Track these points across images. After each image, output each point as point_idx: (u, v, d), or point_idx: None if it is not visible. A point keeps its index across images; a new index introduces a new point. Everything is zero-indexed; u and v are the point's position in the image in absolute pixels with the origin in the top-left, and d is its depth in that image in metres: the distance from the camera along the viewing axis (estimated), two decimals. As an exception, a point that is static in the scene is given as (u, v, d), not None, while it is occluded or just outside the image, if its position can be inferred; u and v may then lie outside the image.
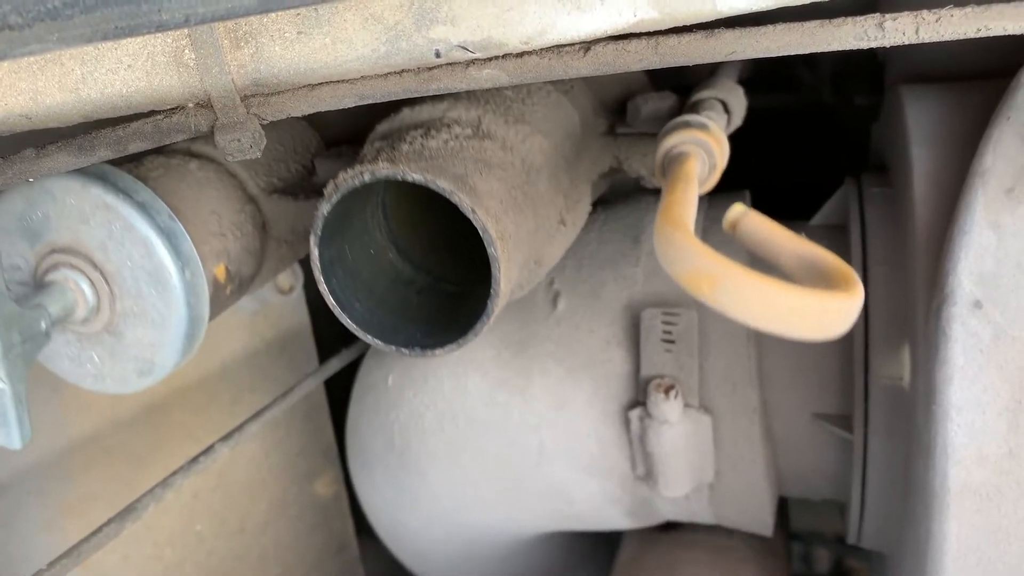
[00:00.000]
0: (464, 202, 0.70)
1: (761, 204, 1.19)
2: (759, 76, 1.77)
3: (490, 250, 0.71)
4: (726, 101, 0.99)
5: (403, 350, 0.78)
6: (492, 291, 0.73)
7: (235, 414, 1.47)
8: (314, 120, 1.03)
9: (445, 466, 1.18)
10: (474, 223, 0.70)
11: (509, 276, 0.75)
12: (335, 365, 1.42)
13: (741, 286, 0.53)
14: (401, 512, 1.31)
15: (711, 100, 0.98)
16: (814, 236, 1.09)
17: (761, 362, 1.04)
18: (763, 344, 1.04)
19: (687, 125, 0.80)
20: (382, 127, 0.85)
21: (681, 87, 1.14)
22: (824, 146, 1.90)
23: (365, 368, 1.31)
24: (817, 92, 1.89)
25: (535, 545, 1.34)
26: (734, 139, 0.98)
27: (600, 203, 1.18)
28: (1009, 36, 0.67)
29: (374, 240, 0.86)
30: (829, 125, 1.91)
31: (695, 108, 0.95)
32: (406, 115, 0.84)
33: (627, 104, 1.03)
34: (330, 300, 0.78)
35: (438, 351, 0.77)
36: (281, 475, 1.60)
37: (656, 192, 1.17)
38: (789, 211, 1.20)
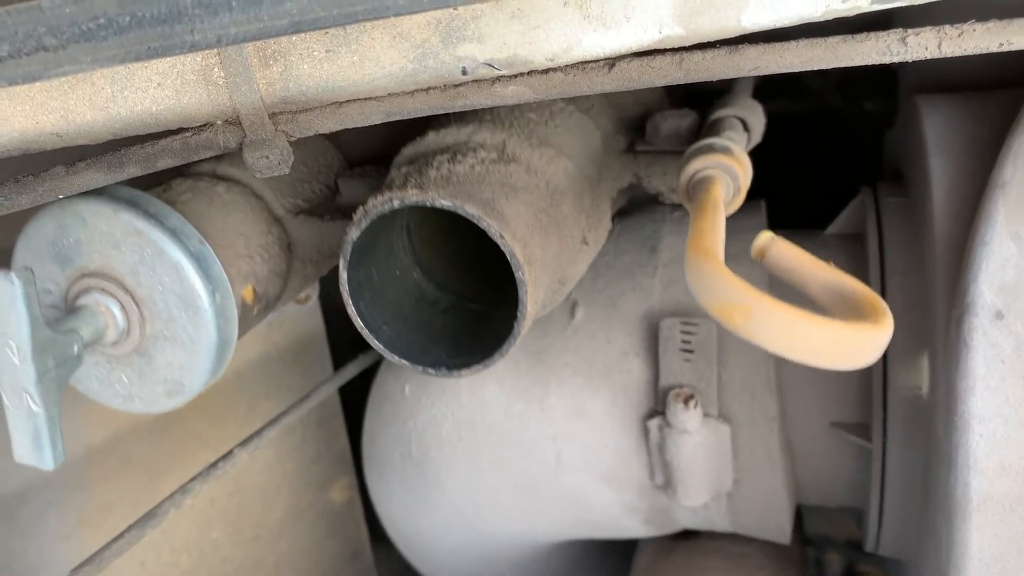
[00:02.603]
0: (492, 227, 0.71)
1: (769, 210, 1.20)
2: (767, 82, 1.77)
3: (518, 274, 0.72)
4: (745, 119, 0.99)
5: (430, 371, 0.79)
6: (519, 314, 0.73)
7: (251, 422, 1.47)
8: (336, 140, 1.04)
9: (463, 475, 1.19)
10: (502, 248, 0.71)
11: (536, 298, 0.75)
12: (350, 372, 1.42)
13: (774, 318, 0.54)
14: (418, 520, 1.31)
15: (731, 119, 0.98)
16: (829, 245, 1.10)
17: (780, 371, 1.04)
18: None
19: (711, 149, 0.80)
20: (408, 151, 0.86)
21: (693, 97, 1.15)
22: (833, 152, 1.90)
23: (381, 378, 1.32)
24: (825, 98, 1.89)
25: (551, 553, 1.35)
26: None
27: (616, 213, 1.18)
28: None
29: (399, 261, 0.87)
30: (838, 131, 1.91)
31: (715, 127, 0.95)
32: (432, 139, 0.84)
33: (646, 122, 1.04)
34: (359, 323, 0.78)
35: (464, 372, 0.77)
36: (296, 481, 1.60)
37: (672, 205, 1.18)
38: (798, 217, 1.21)
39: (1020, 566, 0.80)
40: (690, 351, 1.02)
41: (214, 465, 1.16)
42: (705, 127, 0.96)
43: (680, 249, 1.09)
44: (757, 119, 1.01)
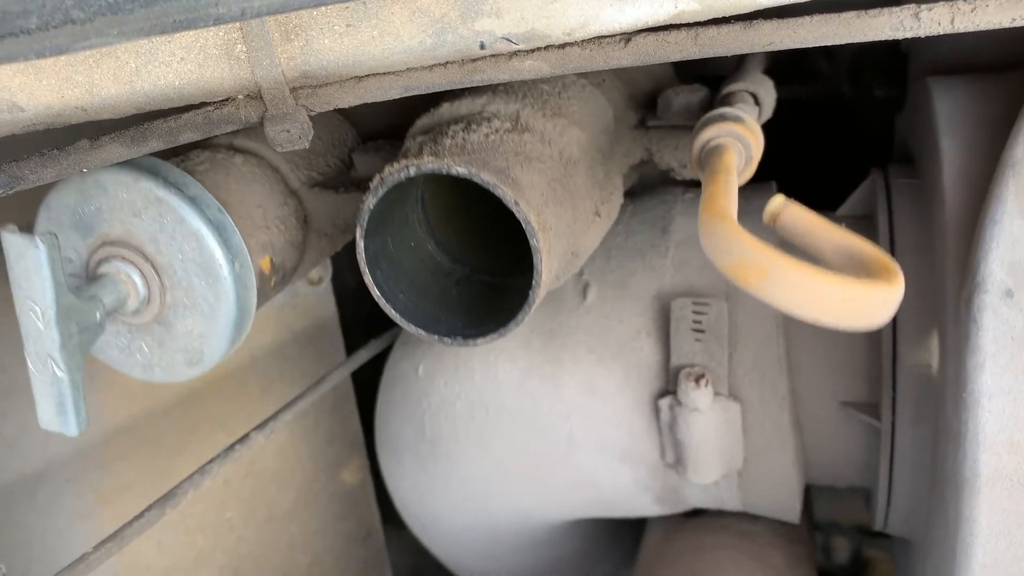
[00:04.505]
0: (507, 195, 0.72)
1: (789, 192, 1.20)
2: (777, 67, 1.78)
3: (532, 242, 0.73)
4: (756, 93, 1.00)
5: (446, 340, 0.80)
6: (535, 282, 0.74)
7: (265, 403, 1.49)
8: (350, 115, 1.05)
9: (475, 454, 1.20)
10: (517, 215, 0.72)
11: (550, 267, 0.76)
12: (364, 355, 1.44)
13: (789, 277, 0.54)
14: (430, 499, 1.33)
15: (742, 93, 0.99)
16: (851, 226, 1.11)
17: (790, 351, 1.05)
18: (792, 333, 1.05)
19: (723, 118, 0.81)
20: (422, 122, 0.87)
21: (704, 78, 1.15)
22: (844, 139, 1.90)
23: (394, 359, 1.33)
24: (836, 83, 1.89)
25: (562, 531, 1.36)
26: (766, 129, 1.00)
27: (627, 195, 1.19)
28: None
29: (414, 233, 0.88)
30: (849, 118, 1.92)
31: (727, 101, 0.96)
32: (446, 110, 0.85)
33: (658, 97, 1.05)
34: (375, 291, 0.79)
35: (480, 340, 0.79)
36: (309, 464, 1.62)
37: (683, 184, 1.18)
38: (810, 203, 1.21)
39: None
40: (701, 331, 1.03)
41: (231, 448, 1.18)
42: (717, 101, 0.97)
43: (692, 230, 1.10)
44: (768, 94, 1.02)
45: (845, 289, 0.54)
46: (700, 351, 1.03)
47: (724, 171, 0.70)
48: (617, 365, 1.09)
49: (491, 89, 0.86)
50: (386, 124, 1.04)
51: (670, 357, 1.05)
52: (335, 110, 0.94)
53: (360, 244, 0.77)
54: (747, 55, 1.24)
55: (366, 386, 1.56)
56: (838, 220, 1.10)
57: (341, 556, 1.72)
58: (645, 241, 1.13)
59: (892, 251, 1.01)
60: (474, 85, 0.70)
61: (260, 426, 1.22)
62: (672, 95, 1.04)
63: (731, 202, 0.63)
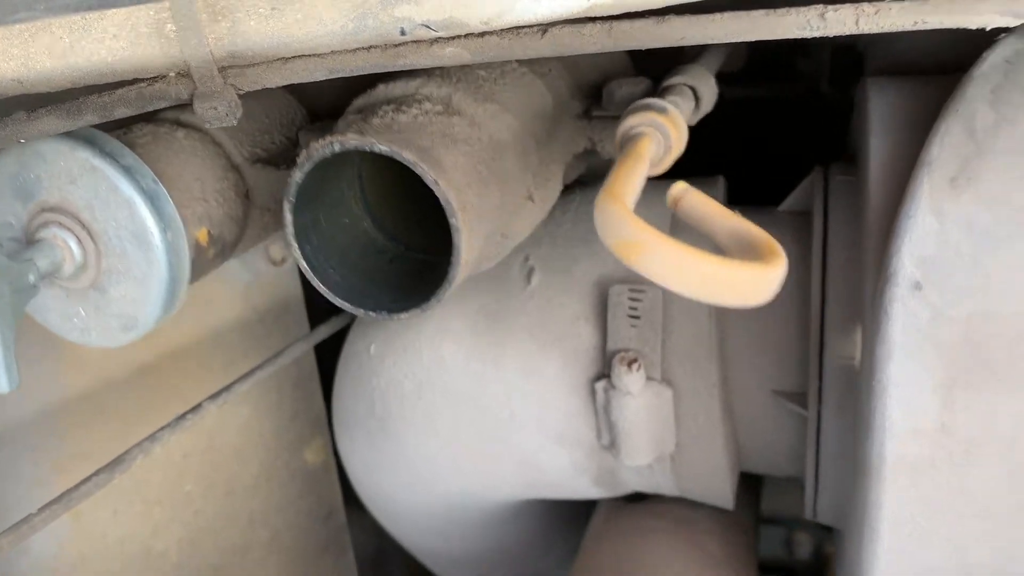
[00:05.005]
0: (428, 173, 0.74)
1: (757, 191, 1.23)
2: (756, 66, 1.80)
3: (452, 220, 0.76)
4: (696, 87, 1.02)
5: (371, 313, 0.83)
6: (454, 260, 0.77)
7: (228, 378, 1.50)
8: (300, 94, 1.08)
9: (423, 433, 1.23)
10: (437, 194, 0.75)
11: (471, 246, 0.79)
12: (324, 332, 1.47)
13: (666, 255, 0.57)
14: (382, 477, 1.36)
15: (681, 86, 1.02)
16: (781, 220, 1.14)
17: (724, 340, 1.08)
18: (725, 323, 1.08)
19: (647, 108, 0.84)
20: (358, 102, 0.89)
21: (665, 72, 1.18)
22: (820, 136, 1.93)
23: (351, 337, 1.36)
24: (816, 82, 1.92)
25: (514, 512, 1.39)
26: (742, 127, 1.02)
27: (579, 184, 1.22)
28: (979, 31, 0.71)
29: (349, 210, 0.91)
30: (827, 115, 1.94)
31: (664, 92, 0.99)
32: (381, 91, 0.88)
33: (603, 89, 1.07)
34: (303, 264, 0.82)
35: (403, 315, 0.81)
36: (271, 440, 1.64)
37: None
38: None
39: (931, 527, 0.84)
40: (636, 317, 1.06)
41: (183, 416, 1.21)
42: (657, 93, 1.00)
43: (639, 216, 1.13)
44: (708, 89, 1.04)
45: (717, 268, 0.57)
46: (635, 337, 1.06)
47: (634, 158, 0.72)
48: (556, 349, 1.12)
49: (427, 73, 0.89)
50: (334, 103, 1.07)
51: (607, 342, 1.08)
52: (285, 89, 0.97)
53: (287, 218, 0.80)
54: (705, 50, 1.27)
55: (331, 367, 1.59)
56: (780, 215, 1.13)
57: (301, 533, 1.75)
58: (589, 228, 1.15)
59: (824, 246, 1.04)
60: (398, 69, 0.73)
61: (213, 396, 1.26)
62: (616, 87, 1.06)
63: (629, 187, 0.66)
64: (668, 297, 1.07)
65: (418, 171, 0.74)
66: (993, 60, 0.90)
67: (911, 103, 0.96)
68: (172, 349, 1.44)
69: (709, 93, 1.06)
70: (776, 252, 0.61)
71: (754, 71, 1.79)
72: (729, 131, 1.55)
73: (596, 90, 1.12)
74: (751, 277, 0.58)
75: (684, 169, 1.16)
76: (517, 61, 0.98)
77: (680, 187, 0.70)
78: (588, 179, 1.28)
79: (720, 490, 1.13)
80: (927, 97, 0.96)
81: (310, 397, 1.68)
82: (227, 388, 1.26)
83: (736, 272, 0.58)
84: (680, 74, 1.04)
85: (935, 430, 0.81)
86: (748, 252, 0.63)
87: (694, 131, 1.59)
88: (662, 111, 0.84)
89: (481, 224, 0.81)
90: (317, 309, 1.67)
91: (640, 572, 1.13)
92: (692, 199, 0.69)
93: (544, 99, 0.99)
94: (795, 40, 0.74)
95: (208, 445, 1.51)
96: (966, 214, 0.82)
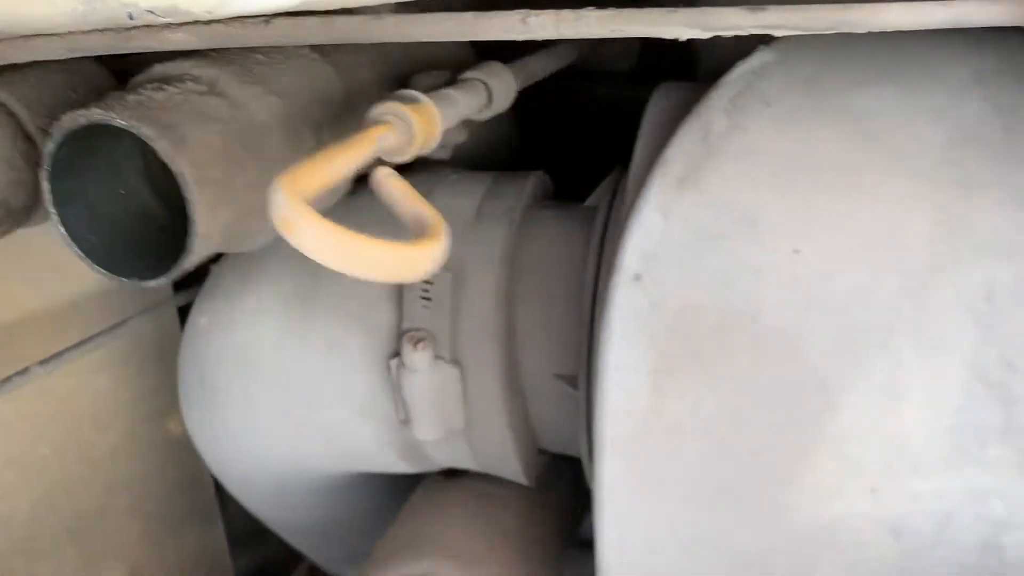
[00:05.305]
0: (164, 148, 0.79)
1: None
2: (651, 67, 1.87)
3: (185, 194, 0.81)
4: (488, 83, 1.08)
5: (123, 280, 0.88)
6: (190, 231, 0.82)
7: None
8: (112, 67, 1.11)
9: (244, 407, 1.28)
10: (170, 166, 0.80)
11: (213, 219, 0.84)
12: (171, 303, 1.52)
13: (316, 233, 0.63)
14: (218, 448, 1.41)
15: (474, 81, 1.07)
16: (584, 215, 1.19)
17: (512, 325, 1.14)
18: (515, 308, 1.14)
19: (399, 98, 0.89)
20: (139, 78, 0.94)
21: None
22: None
23: (193, 308, 1.41)
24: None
25: (343, 485, 1.44)
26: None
27: (401, 170, 1.27)
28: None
29: (125, 182, 0.95)
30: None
31: (456, 85, 1.04)
32: (157, 69, 0.93)
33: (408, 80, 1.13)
34: (60, 230, 0.87)
35: (150, 282, 0.87)
36: (132, 409, 1.69)
37: (443, 164, 1.26)
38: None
39: (644, 504, 0.90)
40: (428, 299, 1.12)
41: (8, 379, 1.25)
42: (452, 85, 1.05)
43: (442, 204, 1.18)
44: (504, 87, 1.10)
45: (362, 246, 0.62)
46: (427, 317, 1.12)
47: (348, 145, 0.77)
48: (360, 327, 1.18)
49: (201, 54, 0.94)
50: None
51: (402, 322, 1.13)
52: (96, 60, 1.00)
53: (44, 186, 0.84)
54: (541, 48, 1.32)
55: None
56: (585, 210, 1.19)
57: (165, 500, 1.79)
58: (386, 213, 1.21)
59: (602, 239, 1.09)
60: (132, 52, 0.78)
61: (44, 361, 1.30)
62: (419, 78, 1.11)
63: (317, 171, 0.70)
64: (459, 281, 1.13)
65: (155, 146, 0.79)
66: (742, 69, 0.96)
67: (677, 107, 1.02)
68: (28, 315, 1.48)
69: (505, 91, 1.11)
70: (435, 236, 0.67)
71: (649, 72, 1.85)
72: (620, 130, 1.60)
73: (405, 79, 1.17)
74: (397, 256, 0.64)
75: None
76: (310, 47, 1.03)
77: (384, 172, 0.75)
78: (418, 167, 1.34)
79: (511, 466, 1.19)
80: (690, 102, 1.02)
81: (172, 368, 1.73)
82: (58, 355, 1.31)
83: (382, 251, 0.63)
84: (478, 69, 1.10)
85: (646, 412, 0.88)
86: (424, 232, 0.69)
87: (586, 126, 1.71)
88: (412, 102, 0.88)
89: (229, 200, 0.86)
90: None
91: (432, 544, 1.19)
92: (388, 184, 0.74)
93: (332, 85, 1.04)
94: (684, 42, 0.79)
95: (59, 410, 1.55)
96: (688, 213, 0.88)
